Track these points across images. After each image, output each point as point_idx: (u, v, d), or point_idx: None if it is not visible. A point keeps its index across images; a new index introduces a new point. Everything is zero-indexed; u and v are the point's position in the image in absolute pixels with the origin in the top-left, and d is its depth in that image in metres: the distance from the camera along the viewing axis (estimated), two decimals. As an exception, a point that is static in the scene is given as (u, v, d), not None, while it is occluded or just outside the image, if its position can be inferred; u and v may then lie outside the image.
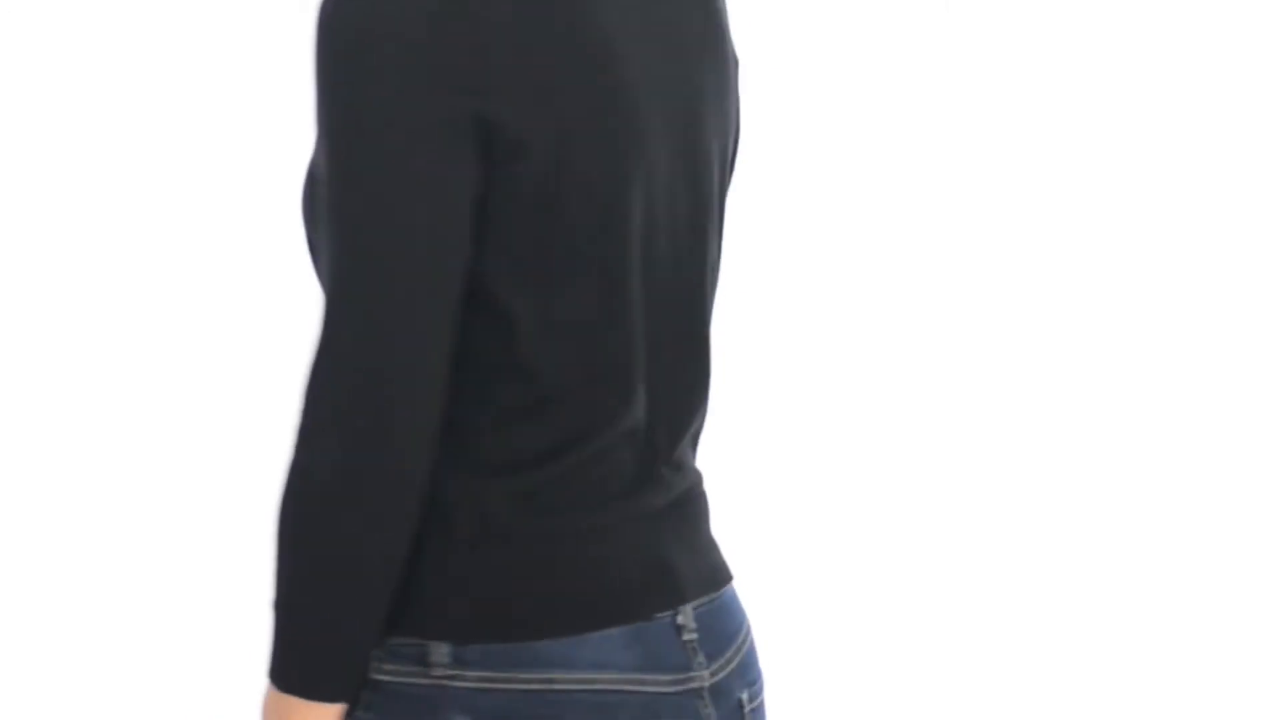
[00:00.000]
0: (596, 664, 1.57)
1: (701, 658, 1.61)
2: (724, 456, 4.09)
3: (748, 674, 1.66)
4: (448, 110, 1.49)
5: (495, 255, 1.56)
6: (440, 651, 1.59)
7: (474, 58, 1.49)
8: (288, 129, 3.36)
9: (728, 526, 3.92)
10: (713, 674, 1.62)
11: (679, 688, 1.60)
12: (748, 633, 1.68)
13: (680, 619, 1.60)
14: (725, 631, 1.64)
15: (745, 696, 1.66)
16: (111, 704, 3.54)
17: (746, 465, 4.03)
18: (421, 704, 1.59)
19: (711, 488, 4.10)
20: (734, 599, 1.66)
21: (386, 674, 1.60)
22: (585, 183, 1.53)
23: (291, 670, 1.58)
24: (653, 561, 1.60)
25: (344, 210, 1.51)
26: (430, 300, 1.51)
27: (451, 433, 1.61)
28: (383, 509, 1.55)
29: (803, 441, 4.00)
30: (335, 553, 1.55)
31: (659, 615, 1.59)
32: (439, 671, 1.59)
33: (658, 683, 1.59)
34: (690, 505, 1.64)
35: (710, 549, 1.64)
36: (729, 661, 1.64)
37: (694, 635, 1.61)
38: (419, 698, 1.59)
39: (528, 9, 1.51)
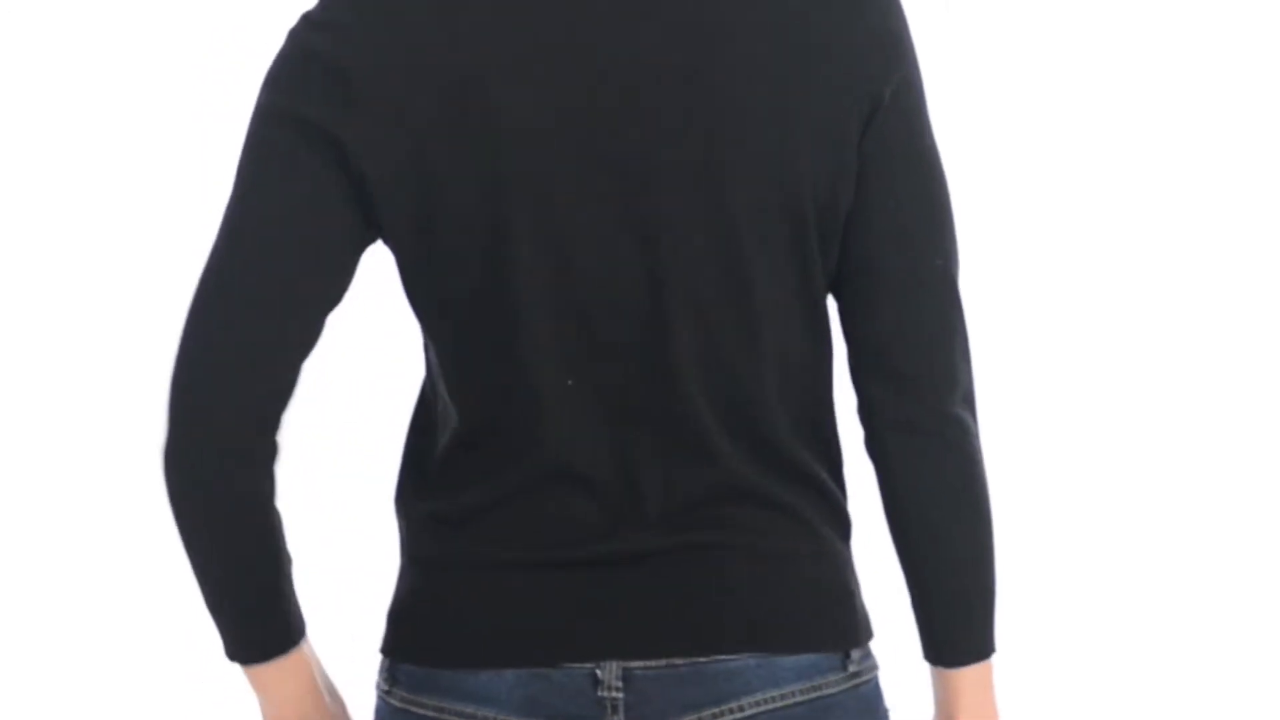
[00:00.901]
0: (479, 698, 1.58)
1: (621, 717, 1.57)
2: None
3: None
4: (300, 120, 1.54)
5: (410, 293, 1.59)
6: (385, 667, 1.65)
7: (328, 78, 1.53)
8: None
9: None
10: None
11: None
12: (732, 713, 1.59)
13: (600, 673, 1.56)
14: (681, 700, 1.58)
15: None
16: (110, 704, 3.54)
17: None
18: (380, 716, 1.65)
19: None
20: (728, 672, 1.58)
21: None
22: (459, 223, 1.52)
23: (222, 638, 1.66)
24: (576, 611, 1.57)
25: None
26: (256, 292, 1.56)
27: (409, 459, 1.64)
28: (190, 476, 1.61)
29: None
30: (176, 515, 1.64)
31: (571, 665, 1.57)
32: (384, 686, 1.65)
33: None
34: (678, 563, 1.57)
35: (702, 611, 1.57)
36: None
37: (617, 694, 1.57)
38: (380, 709, 1.65)
39: (401, 44, 1.51)
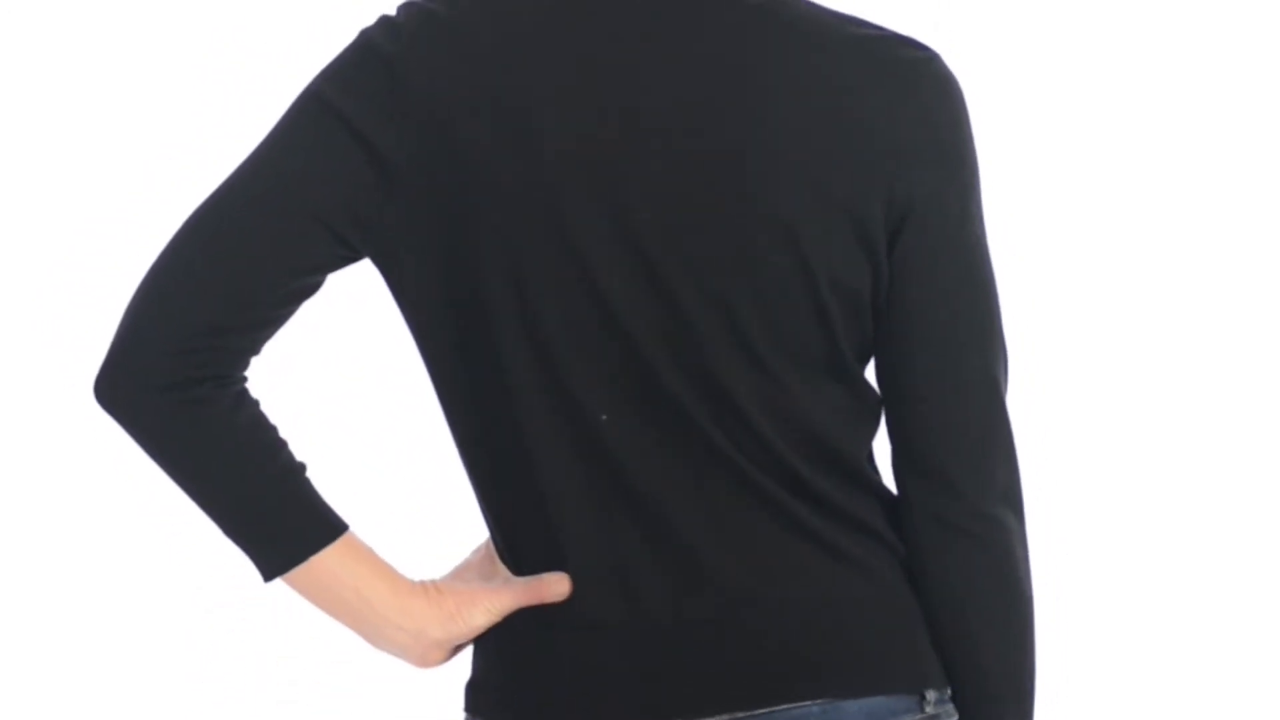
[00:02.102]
0: None
1: None
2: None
3: None
4: (340, 114, 1.54)
5: (426, 320, 1.56)
6: None
7: (386, 81, 1.53)
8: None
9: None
10: None
11: None
12: None
13: None
14: None
15: None
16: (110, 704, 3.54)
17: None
18: None
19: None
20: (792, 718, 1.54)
21: None
22: (488, 242, 1.51)
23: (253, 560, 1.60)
24: (633, 671, 1.55)
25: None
26: (236, 242, 1.55)
27: (485, 520, 1.63)
28: (128, 406, 1.58)
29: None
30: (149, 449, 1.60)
31: None
32: None
33: None
34: (733, 614, 1.54)
35: (760, 662, 1.54)
36: None
37: None
38: None
39: (462, 63, 1.52)
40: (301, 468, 1.59)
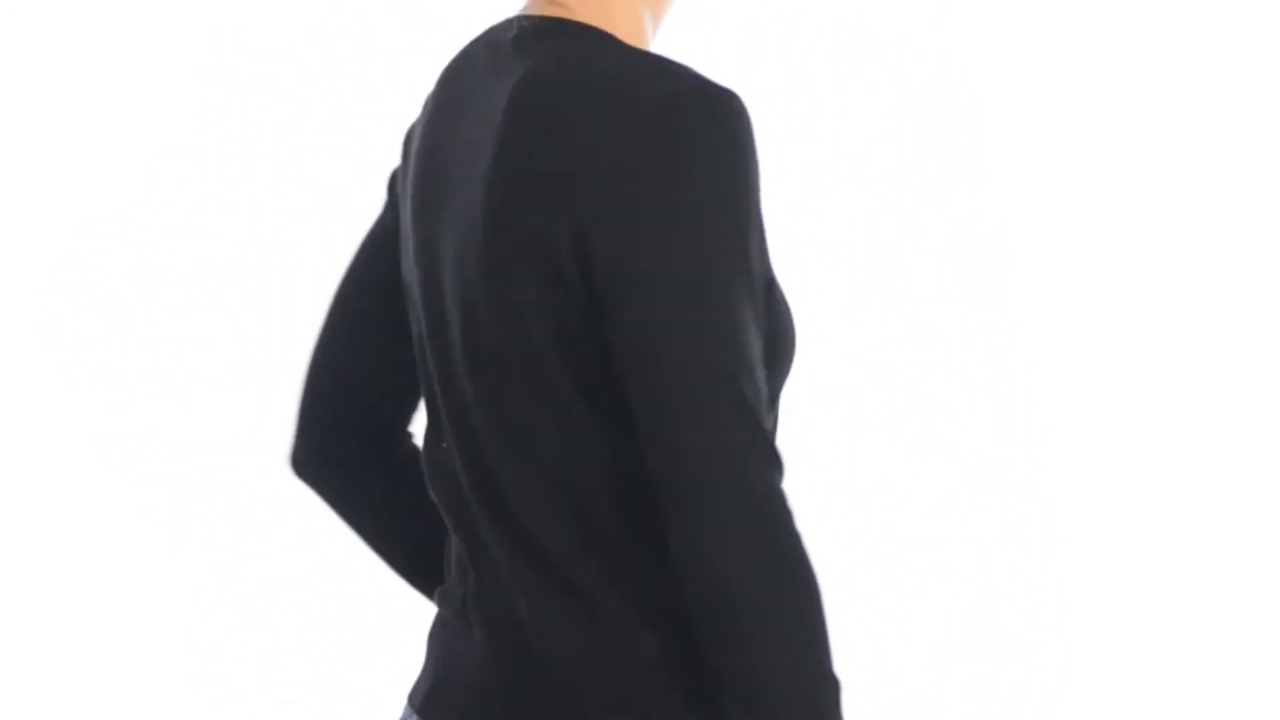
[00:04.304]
0: None
1: None
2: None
3: None
4: (391, 184, 1.76)
5: None
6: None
7: (405, 147, 1.72)
8: (291, 135, 3.36)
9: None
10: None
11: None
12: None
13: None
14: None
15: None
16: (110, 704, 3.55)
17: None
18: None
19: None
20: None
21: None
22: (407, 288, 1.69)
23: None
24: (426, 667, 1.68)
25: None
26: (339, 309, 1.78)
27: None
28: (321, 481, 1.81)
29: (806, 444, 3.99)
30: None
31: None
32: None
33: None
34: (478, 642, 1.60)
35: (457, 699, 1.62)
36: None
37: None
38: None
39: (421, 127, 1.69)
40: None
